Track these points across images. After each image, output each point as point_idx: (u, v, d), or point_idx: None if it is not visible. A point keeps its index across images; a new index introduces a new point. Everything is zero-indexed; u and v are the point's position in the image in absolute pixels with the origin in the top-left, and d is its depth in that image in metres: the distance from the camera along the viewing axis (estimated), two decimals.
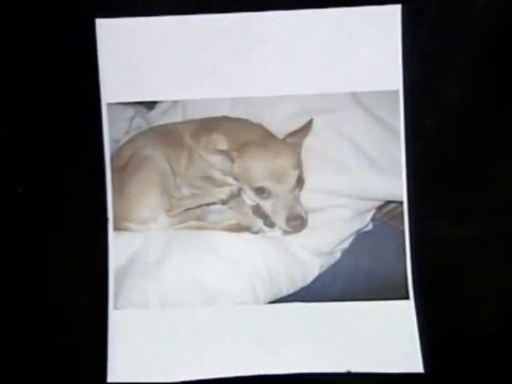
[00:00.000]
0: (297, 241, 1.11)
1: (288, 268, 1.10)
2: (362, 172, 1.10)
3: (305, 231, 1.10)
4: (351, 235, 1.15)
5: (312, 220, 1.10)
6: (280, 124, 1.14)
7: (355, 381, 0.98)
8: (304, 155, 1.13)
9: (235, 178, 1.13)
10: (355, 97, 1.09)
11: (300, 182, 1.09)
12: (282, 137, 1.14)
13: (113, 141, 1.09)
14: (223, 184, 1.15)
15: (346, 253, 1.15)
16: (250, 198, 1.13)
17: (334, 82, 1.04)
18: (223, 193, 1.13)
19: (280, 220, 1.08)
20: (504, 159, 1.02)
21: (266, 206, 1.10)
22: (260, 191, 1.09)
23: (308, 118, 1.13)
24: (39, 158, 1.03)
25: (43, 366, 1.00)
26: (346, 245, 1.15)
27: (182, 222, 1.14)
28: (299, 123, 1.13)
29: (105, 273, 1.04)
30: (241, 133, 1.14)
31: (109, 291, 1.02)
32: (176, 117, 1.22)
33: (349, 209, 1.12)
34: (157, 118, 1.24)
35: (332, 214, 1.12)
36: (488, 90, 1.01)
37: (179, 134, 1.19)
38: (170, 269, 1.06)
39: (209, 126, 1.18)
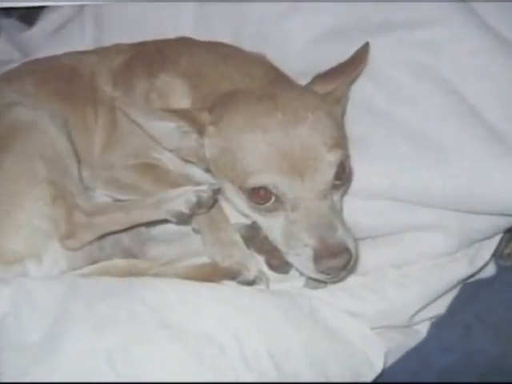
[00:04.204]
0: (336, 301, 0.81)
1: (318, 357, 0.77)
2: (476, 153, 0.78)
3: (352, 281, 0.79)
4: (452, 288, 0.85)
5: (369, 257, 0.80)
6: (301, 55, 0.86)
7: None
8: (351, 120, 0.83)
9: (208, 170, 0.84)
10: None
11: (343, 176, 0.77)
12: (305, 82, 0.86)
13: None
14: (183, 181, 0.86)
15: (440, 325, 0.86)
16: (238, 209, 0.83)
17: None
18: (182, 199, 0.80)
19: (301, 257, 0.74)
20: None
21: (273, 226, 0.78)
22: (260, 196, 0.76)
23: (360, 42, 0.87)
24: None
25: None
26: (440, 309, 0.86)
27: (94, 261, 0.86)
28: (340, 53, 0.84)
29: None
30: (219, 73, 0.84)
31: None
32: (81, 40, 0.90)
33: (447, 232, 0.81)
34: (42, 41, 1.02)
35: (411, 242, 0.82)
36: None
37: (88, 76, 0.90)
38: (68, 356, 0.75)
39: (151, 58, 0.89)
